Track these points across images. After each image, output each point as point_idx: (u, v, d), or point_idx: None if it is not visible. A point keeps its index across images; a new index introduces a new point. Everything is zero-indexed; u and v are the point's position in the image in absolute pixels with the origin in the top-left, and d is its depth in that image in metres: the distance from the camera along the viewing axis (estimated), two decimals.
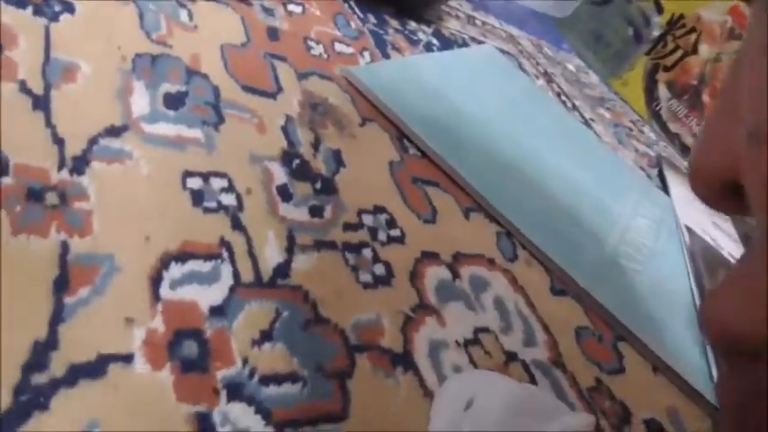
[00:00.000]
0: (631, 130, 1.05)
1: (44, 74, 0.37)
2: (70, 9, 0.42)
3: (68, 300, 0.28)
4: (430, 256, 0.45)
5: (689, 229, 0.71)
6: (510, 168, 0.61)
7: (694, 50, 1.10)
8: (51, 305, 0.27)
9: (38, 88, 0.36)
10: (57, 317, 0.27)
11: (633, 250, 0.62)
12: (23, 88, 0.35)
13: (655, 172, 0.93)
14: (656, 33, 1.16)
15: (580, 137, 0.82)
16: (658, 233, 0.69)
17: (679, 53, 1.12)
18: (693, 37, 1.10)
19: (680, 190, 0.84)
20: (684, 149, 1.11)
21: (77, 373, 0.26)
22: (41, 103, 0.35)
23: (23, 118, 0.34)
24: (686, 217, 0.74)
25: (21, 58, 0.37)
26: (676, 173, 0.92)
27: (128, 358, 0.27)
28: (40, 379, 0.25)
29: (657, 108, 1.15)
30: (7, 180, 0.30)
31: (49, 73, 0.37)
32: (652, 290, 0.57)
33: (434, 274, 0.44)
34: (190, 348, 0.29)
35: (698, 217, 0.78)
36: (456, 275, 0.45)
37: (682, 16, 1.12)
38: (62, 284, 0.28)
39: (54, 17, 0.40)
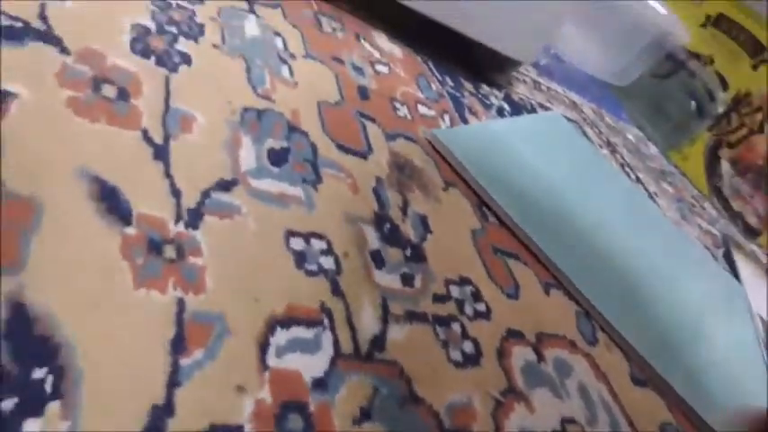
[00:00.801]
0: (693, 206, 1.03)
1: (164, 123, 0.37)
2: (188, 61, 0.43)
3: (184, 361, 0.27)
4: (515, 335, 0.44)
5: (761, 319, 0.69)
6: (585, 243, 0.60)
7: (761, 129, 1.08)
8: (168, 366, 0.27)
9: (158, 137, 0.36)
10: (173, 380, 0.27)
11: (709, 340, 0.60)
12: (146, 137, 0.36)
13: (720, 252, 0.90)
14: (720, 109, 1.15)
15: (649, 213, 0.81)
16: (732, 321, 0.66)
17: (744, 131, 1.11)
18: (760, 116, 1.09)
19: (749, 275, 0.81)
20: (747, 229, 1.08)
21: None
22: (161, 152, 0.36)
23: (145, 167, 0.34)
24: (759, 305, 0.72)
25: (144, 107, 0.37)
26: (743, 255, 0.89)
27: (238, 430, 0.27)
28: None
29: (719, 185, 1.13)
30: (130, 230, 0.31)
31: (169, 122, 0.38)
32: (730, 384, 0.55)
33: (520, 355, 0.43)
34: (295, 423, 0.29)
35: None
36: (541, 357, 0.44)
37: (749, 94, 1.11)
38: (179, 344, 0.28)
39: (174, 68, 0.41)
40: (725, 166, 1.11)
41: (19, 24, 0.36)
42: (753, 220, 1.05)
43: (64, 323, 0.26)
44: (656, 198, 0.93)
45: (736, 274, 0.80)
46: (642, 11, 1.08)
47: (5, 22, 0.35)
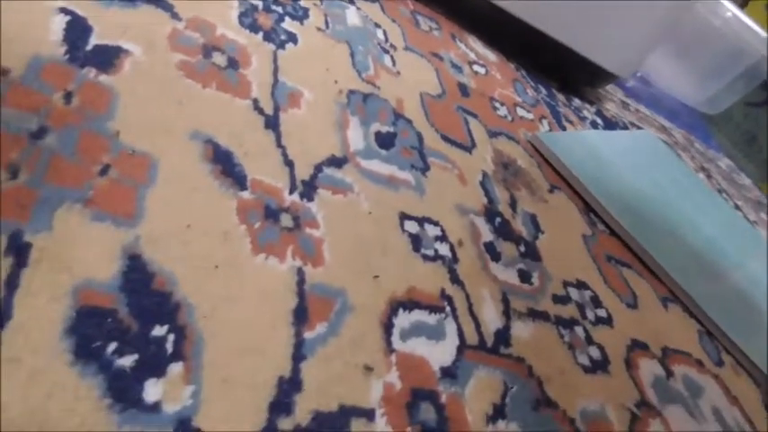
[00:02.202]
0: None
1: (273, 96, 0.35)
2: (294, 39, 0.41)
3: (308, 335, 0.24)
4: (640, 346, 0.40)
5: None
6: (698, 261, 0.54)
7: None
8: (292, 338, 0.24)
9: (268, 108, 0.34)
10: (298, 353, 0.23)
11: None
12: (256, 107, 0.33)
13: None
14: None
15: (755, 239, 0.74)
16: None
17: None
18: None
19: None
20: None
21: (322, 424, 0.22)
22: (272, 123, 0.33)
23: (257, 136, 0.32)
24: None
25: (253, 78, 0.35)
26: None
27: (370, 415, 0.23)
28: (285, 424, 0.21)
29: None
30: (246, 194, 0.28)
31: (278, 95, 0.35)
32: None
33: (649, 368, 0.38)
34: (428, 413, 0.25)
35: None
36: (670, 374, 0.39)
37: None
38: (301, 316, 0.25)
39: (281, 45, 0.40)
40: None
41: None
42: None
43: (182, 282, 0.23)
44: (757, 227, 0.86)
45: None
46: (742, 34, 1.02)
47: None
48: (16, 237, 0.20)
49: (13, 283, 0.19)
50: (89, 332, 0.19)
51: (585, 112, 0.76)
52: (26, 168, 0.22)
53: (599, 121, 0.77)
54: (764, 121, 1.14)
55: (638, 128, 0.87)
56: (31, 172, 0.22)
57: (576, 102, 0.77)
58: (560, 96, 0.74)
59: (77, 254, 0.21)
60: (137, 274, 0.22)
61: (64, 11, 0.30)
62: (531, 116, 0.60)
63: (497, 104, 0.56)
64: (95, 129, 0.26)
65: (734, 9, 1.02)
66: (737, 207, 0.89)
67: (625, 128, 0.83)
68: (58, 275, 0.20)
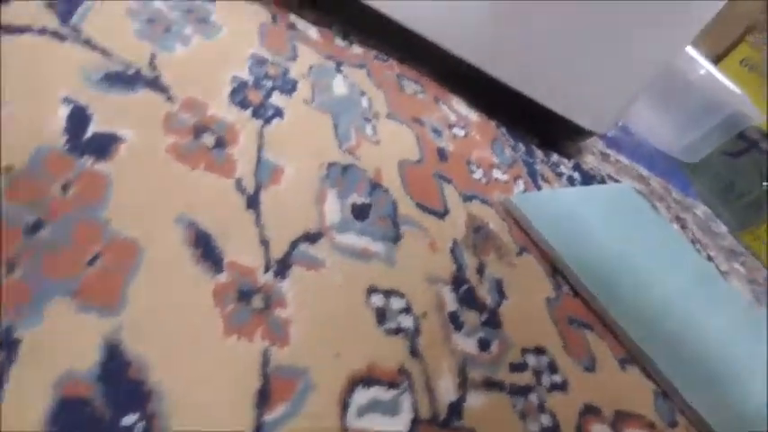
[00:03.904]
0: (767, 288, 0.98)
1: (256, 174, 0.38)
2: (280, 114, 0.44)
3: (268, 417, 0.27)
4: (593, 411, 0.42)
5: None
6: (661, 319, 0.57)
7: None
8: (254, 421, 0.26)
9: (250, 187, 0.37)
10: None
11: None
12: (239, 186, 0.36)
13: None
14: None
15: (722, 291, 0.77)
16: None
17: None
18: None
19: None
20: None
21: None
22: (253, 202, 0.36)
23: (239, 215, 0.35)
24: None
25: (239, 156, 0.38)
26: None
27: None
28: None
29: None
30: (222, 277, 0.31)
31: (261, 173, 0.38)
32: None
33: None
34: None
35: None
36: None
37: None
38: (264, 397, 0.27)
39: (268, 120, 0.43)
40: None
41: (131, 71, 0.38)
42: None
43: (157, 367, 0.26)
44: (729, 278, 0.89)
45: None
46: (715, 90, 1.07)
47: (118, 67, 0.37)
48: (8, 332, 0.23)
49: (1, 379, 0.22)
50: (69, 422, 0.22)
51: (563, 168, 0.79)
52: (21, 263, 0.25)
53: (576, 176, 0.80)
54: (741, 170, 1.18)
55: (616, 180, 0.91)
56: (26, 266, 0.25)
57: (555, 157, 0.80)
58: (539, 152, 0.77)
59: (63, 346, 0.24)
60: (114, 364, 0.25)
61: (67, 100, 0.33)
62: (506, 177, 0.63)
63: (474, 167, 0.59)
64: (89, 218, 0.29)
65: (707, 65, 1.07)
66: (710, 258, 0.92)
67: (602, 181, 0.86)
68: (43, 370, 0.23)
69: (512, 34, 0.66)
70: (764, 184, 1.16)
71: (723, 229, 1.15)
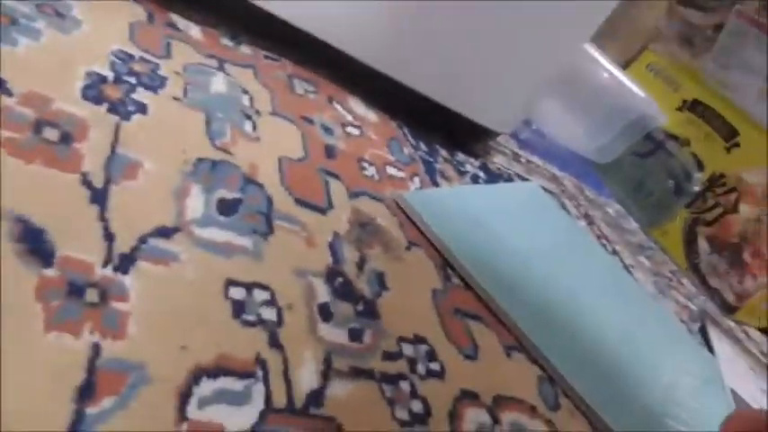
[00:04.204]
0: (671, 280, 1.02)
1: (107, 168, 0.37)
2: (143, 110, 0.43)
3: (90, 410, 0.26)
4: (470, 396, 0.42)
5: (734, 393, 0.67)
6: (552, 308, 0.58)
7: (735, 209, 1.09)
8: (71, 415, 0.25)
9: (98, 182, 0.36)
10: (75, 429, 0.25)
11: (679, 410, 0.58)
12: (84, 181, 0.35)
13: (696, 326, 0.89)
14: (696, 188, 1.17)
15: (622, 283, 0.80)
16: (704, 394, 0.64)
17: (719, 210, 1.11)
18: (734, 196, 1.10)
19: (724, 349, 0.79)
20: (725, 305, 1.06)
21: None
22: (99, 196, 0.35)
23: (80, 210, 0.33)
24: (732, 380, 0.70)
25: (87, 151, 0.37)
26: (719, 330, 0.88)
27: None
28: None
29: (697, 261, 1.12)
30: (50, 271, 0.29)
31: (112, 168, 0.37)
32: None
33: (474, 418, 0.41)
34: None
35: (744, 381, 0.73)
36: (496, 420, 0.42)
37: (722, 175, 1.13)
38: (87, 392, 0.26)
39: (126, 116, 0.41)
40: (702, 244, 1.11)
41: None
42: (730, 297, 1.04)
43: None
44: (633, 271, 0.92)
45: (710, 348, 0.78)
46: (622, 93, 1.11)
47: None
48: None
49: None
50: None
51: (468, 166, 0.80)
52: None
53: (481, 174, 0.81)
54: (649, 170, 1.23)
55: (525, 179, 0.93)
56: None
57: (461, 156, 0.81)
58: (443, 152, 0.78)
59: None
60: None
61: None
62: (402, 174, 0.63)
63: (366, 165, 0.59)
64: None
65: (615, 70, 1.11)
66: (615, 252, 0.95)
67: (509, 180, 0.88)
68: None
69: (407, 33, 0.66)
70: (670, 182, 1.21)
71: (634, 225, 1.19)
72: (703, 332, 0.87)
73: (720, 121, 1.15)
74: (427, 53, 0.69)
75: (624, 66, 1.29)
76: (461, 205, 0.64)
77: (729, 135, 1.14)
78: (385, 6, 0.63)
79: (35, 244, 0.30)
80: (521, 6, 0.68)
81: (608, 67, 1.13)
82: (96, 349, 0.28)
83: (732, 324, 1.01)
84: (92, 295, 0.30)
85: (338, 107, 0.65)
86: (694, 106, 1.19)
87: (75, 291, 0.29)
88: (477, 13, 0.67)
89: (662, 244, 1.16)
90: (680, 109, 1.21)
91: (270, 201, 0.45)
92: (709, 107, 1.17)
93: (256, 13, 0.57)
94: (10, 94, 0.36)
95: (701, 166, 1.17)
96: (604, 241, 0.94)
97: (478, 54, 0.72)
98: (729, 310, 1.06)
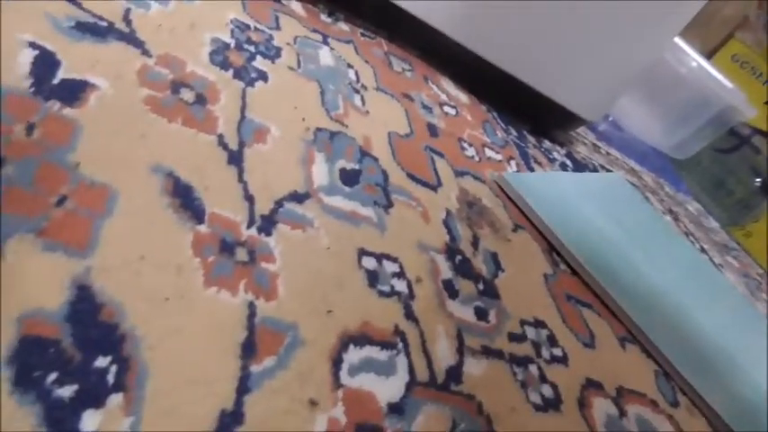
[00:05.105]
0: (760, 283, 0.98)
1: (239, 131, 0.36)
2: (264, 78, 0.42)
3: (254, 368, 0.25)
4: (595, 386, 0.40)
5: None
6: (658, 303, 0.56)
7: None
8: (238, 371, 0.24)
9: (233, 144, 0.35)
10: (243, 386, 0.24)
11: None
12: (221, 142, 0.34)
13: None
14: None
15: (718, 282, 0.76)
16: None
17: None
18: None
19: None
20: None
21: None
22: (235, 158, 0.34)
23: (219, 170, 0.33)
24: None
25: (221, 113, 0.36)
26: None
27: None
28: None
29: None
30: (203, 228, 0.29)
31: (244, 131, 0.36)
32: None
33: (601, 408, 0.39)
34: None
35: None
36: (623, 413, 0.40)
37: None
38: (249, 349, 0.25)
39: (250, 82, 0.41)
40: None
41: (103, 23, 0.36)
42: None
43: (131, 313, 0.23)
44: (723, 270, 0.88)
45: None
46: (708, 84, 1.06)
47: (89, 19, 0.35)
48: None
49: None
50: (31, 361, 0.20)
51: (555, 154, 0.78)
52: None
53: (568, 163, 0.79)
54: (732, 167, 1.18)
55: (608, 170, 0.89)
56: None
57: (547, 144, 0.79)
58: (531, 138, 0.76)
59: (26, 283, 0.21)
60: (84, 305, 0.22)
61: (33, 45, 0.31)
62: (499, 157, 0.61)
63: (465, 145, 0.58)
64: (55, 160, 0.27)
65: (699, 59, 1.06)
66: (704, 250, 0.91)
67: (595, 170, 0.85)
68: (4, 307, 0.20)
69: (505, 16, 0.65)
70: (757, 181, 1.15)
71: (714, 224, 1.14)
72: None
73: None
74: (521, 35, 0.67)
75: (708, 56, 1.24)
76: (559, 191, 0.62)
77: None
78: None
79: (187, 200, 0.29)
80: (615, 6, 0.65)
81: (691, 56, 1.08)
82: (252, 308, 0.27)
83: None
84: (242, 254, 0.29)
85: (433, 86, 0.64)
86: None
87: (227, 248, 0.29)
88: (575, 8, 0.65)
89: (745, 246, 1.11)
90: None
91: (385, 174, 0.44)
92: None
93: None
94: (149, 54, 0.36)
95: None
96: (692, 238, 0.90)
97: (573, 40, 0.69)
98: None
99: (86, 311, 0.22)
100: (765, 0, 1.13)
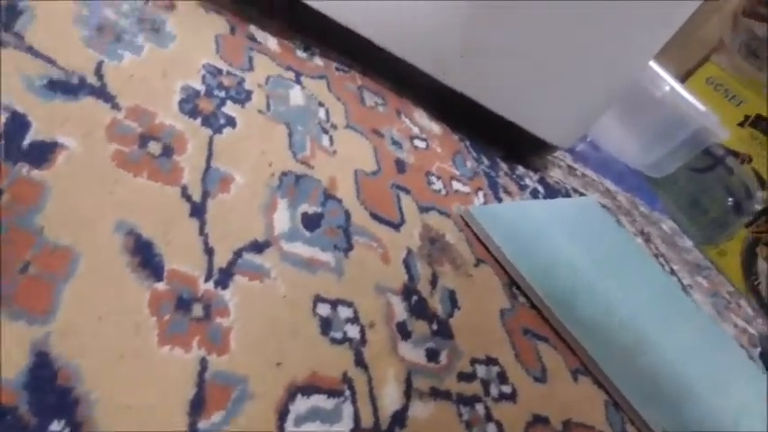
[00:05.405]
0: (729, 302, 1.00)
1: (203, 182, 0.38)
2: (233, 123, 0.44)
3: (202, 424, 0.27)
4: (541, 421, 0.42)
5: None
6: (616, 331, 0.58)
7: None
8: (186, 428, 0.26)
9: (197, 195, 0.37)
10: None
11: None
12: (185, 194, 0.36)
13: (756, 351, 0.87)
14: (757, 207, 1.14)
15: (682, 305, 0.79)
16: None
17: None
18: None
19: None
20: None
21: None
22: (198, 210, 0.36)
23: (182, 224, 0.35)
24: None
25: (186, 164, 0.38)
26: None
27: None
28: None
29: (756, 283, 1.09)
30: (161, 285, 0.31)
31: (208, 181, 0.38)
32: None
33: None
34: None
35: None
36: None
37: None
38: (198, 405, 0.27)
39: (218, 129, 0.43)
40: (762, 265, 1.08)
41: (75, 79, 0.38)
42: None
43: (86, 376, 0.25)
44: (691, 291, 0.90)
45: None
46: (681, 106, 1.09)
47: (62, 76, 0.37)
48: None
49: None
50: None
51: (528, 180, 0.80)
52: None
53: (540, 189, 0.81)
54: (706, 186, 1.20)
55: (582, 194, 0.92)
56: None
57: (520, 170, 0.81)
58: (503, 165, 0.78)
59: None
60: (43, 371, 0.24)
61: (5, 109, 0.33)
62: (467, 189, 0.63)
63: (433, 179, 0.60)
64: (22, 224, 0.29)
65: (673, 83, 1.09)
66: (673, 272, 0.93)
67: (567, 195, 0.87)
68: None
69: (473, 46, 0.66)
70: (729, 200, 1.18)
71: (689, 243, 1.17)
72: (764, 358, 0.85)
73: None
74: (490, 63, 0.69)
75: (683, 78, 1.26)
76: (525, 221, 0.64)
77: None
78: (451, 19, 0.63)
79: (147, 257, 0.31)
80: (588, 20, 0.67)
81: (666, 79, 1.11)
82: (204, 363, 0.29)
83: None
84: (197, 310, 0.31)
85: (406, 120, 0.66)
86: (757, 122, 1.16)
87: (183, 305, 0.31)
88: (542, 26, 0.67)
89: (718, 264, 1.14)
90: (741, 124, 1.18)
91: (348, 215, 0.46)
92: None
93: (328, 24, 0.58)
94: (119, 108, 0.38)
95: (763, 185, 1.14)
96: (662, 260, 0.93)
97: (542, 67, 0.71)
98: None
99: (44, 377, 0.24)
100: (739, 24, 1.16)
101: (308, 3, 0.56)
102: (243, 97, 0.48)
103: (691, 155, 1.19)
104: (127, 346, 0.27)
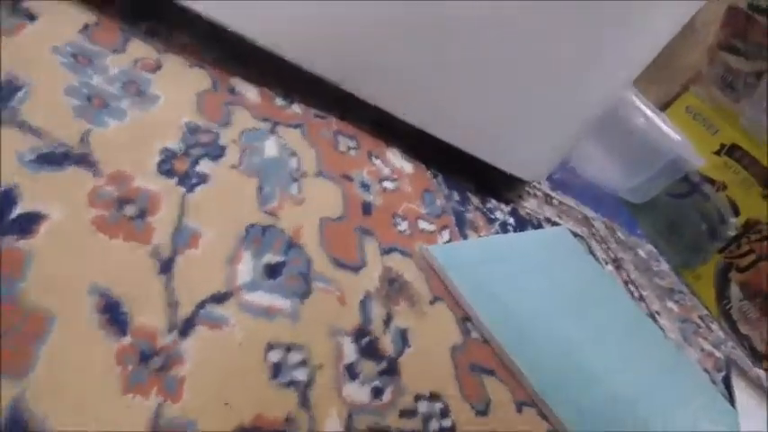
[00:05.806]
0: (699, 326, 1.04)
1: (174, 239, 0.43)
2: (205, 180, 0.49)
3: None
4: None
5: None
6: (568, 363, 0.62)
7: None
8: None
9: (166, 252, 0.42)
10: None
11: None
12: (155, 252, 0.42)
13: (720, 376, 0.90)
14: (731, 233, 1.18)
15: (644, 332, 0.83)
16: None
17: (753, 256, 1.12)
18: None
19: (746, 401, 0.82)
20: (754, 353, 1.08)
21: None
22: (166, 267, 0.41)
23: (150, 280, 0.40)
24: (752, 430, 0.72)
25: (158, 224, 0.43)
26: (744, 379, 0.89)
27: None
28: None
29: (728, 307, 1.14)
30: (126, 340, 0.36)
31: (178, 239, 0.44)
32: None
33: None
34: None
35: None
36: None
37: (758, 222, 1.14)
38: None
39: (191, 188, 0.48)
40: (734, 290, 1.12)
41: (61, 150, 0.43)
42: (759, 345, 1.05)
43: (56, 426, 0.30)
44: (659, 318, 0.94)
45: (732, 399, 0.80)
46: (658, 136, 1.14)
47: (50, 149, 0.42)
48: None
49: None
50: None
51: (498, 213, 0.85)
52: None
53: (511, 221, 0.85)
54: (684, 212, 1.25)
55: (556, 224, 0.96)
56: None
57: (492, 203, 0.86)
58: (474, 200, 0.82)
59: None
60: (15, 425, 0.29)
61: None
62: (432, 227, 0.68)
63: (399, 219, 0.65)
64: (6, 293, 0.34)
65: (649, 112, 1.14)
66: (642, 298, 0.97)
67: (539, 226, 0.92)
68: None
69: (433, 82, 0.69)
70: (703, 225, 1.22)
71: (665, 267, 1.21)
72: (727, 382, 0.89)
73: (758, 167, 1.16)
74: (460, 105, 0.72)
75: (663, 107, 1.31)
76: (486, 258, 0.68)
77: (767, 182, 1.15)
78: (417, 60, 0.66)
79: (115, 314, 0.36)
80: (553, 53, 0.69)
81: (645, 109, 1.16)
82: (159, 410, 0.34)
83: (761, 373, 1.03)
84: (156, 362, 0.36)
85: (377, 162, 0.71)
86: (732, 151, 1.20)
87: (145, 357, 0.36)
88: (510, 65, 0.69)
89: (693, 287, 1.18)
90: (718, 153, 1.23)
91: (309, 263, 0.51)
92: (747, 153, 1.18)
93: (303, 74, 0.63)
94: (101, 174, 0.43)
95: (736, 212, 1.19)
96: (632, 287, 0.97)
97: (510, 105, 0.73)
98: (759, 358, 1.08)
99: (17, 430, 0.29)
100: (716, 57, 1.20)
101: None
102: (217, 153, 0.53)
103: (669, 181, 1.24)
104: (94, 398, 0.32)
